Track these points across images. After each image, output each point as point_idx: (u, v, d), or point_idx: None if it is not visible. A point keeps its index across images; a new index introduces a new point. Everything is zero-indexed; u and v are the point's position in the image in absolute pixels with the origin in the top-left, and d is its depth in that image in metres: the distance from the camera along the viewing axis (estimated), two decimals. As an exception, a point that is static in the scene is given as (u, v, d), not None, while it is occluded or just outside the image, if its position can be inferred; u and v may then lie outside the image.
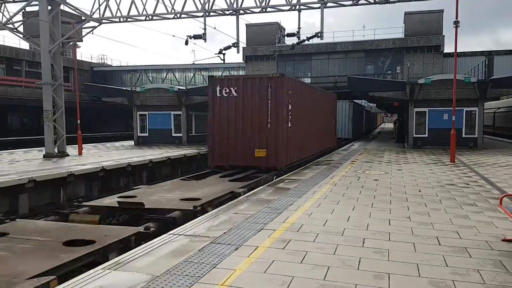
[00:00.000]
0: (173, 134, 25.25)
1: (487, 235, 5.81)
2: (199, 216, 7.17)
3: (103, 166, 14.07)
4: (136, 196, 9.44)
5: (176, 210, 8.06)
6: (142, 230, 6.71)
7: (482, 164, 14.53)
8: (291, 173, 12.61)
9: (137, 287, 4.03)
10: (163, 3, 18.40)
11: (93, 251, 5.61)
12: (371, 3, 17.66)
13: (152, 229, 6.85)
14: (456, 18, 14.99)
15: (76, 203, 9.23)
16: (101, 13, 18.57)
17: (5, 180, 10.72)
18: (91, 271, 4.46)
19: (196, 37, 19.18)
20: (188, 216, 7.71)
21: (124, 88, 28.60)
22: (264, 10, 18.94)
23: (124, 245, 6.08)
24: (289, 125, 14.08)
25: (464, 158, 16.60)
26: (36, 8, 17.90)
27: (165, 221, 7.49)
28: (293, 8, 18.76)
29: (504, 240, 5.56)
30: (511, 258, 4.88)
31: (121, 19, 18.76)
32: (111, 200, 9.11)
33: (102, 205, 8.66)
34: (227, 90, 13.69)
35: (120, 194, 9.95)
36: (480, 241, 5.53)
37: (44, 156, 17.33)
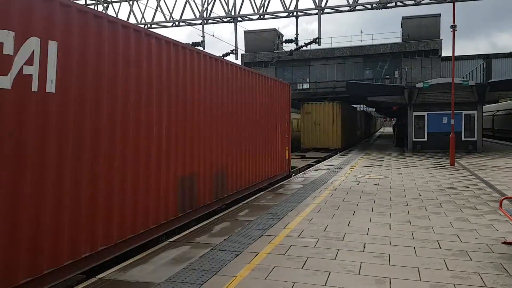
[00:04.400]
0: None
1: (487, 238, 5.81)
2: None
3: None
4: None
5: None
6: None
7: (482, 167, 14.54)
8: (291, 177, 12.61)
9: (138, 295, 4.02)
10: (162, 11, 18.52)
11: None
12: (368, 9, 17.79)
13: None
14: (453, 22, 15.09)
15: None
16: (100, 22, 18.71)
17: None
18: (89, 280, 4.45)
19: (194, 44, 19.29)
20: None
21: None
22: (262, 17, 19.06)
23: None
24: None
25: (464, 161, 16.61)
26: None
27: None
28: (291, 14, 18.89)
29: (504, 243, 5.56)
30: (512, 260, 4.88)
31: (120, 28, 18.86)
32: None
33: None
34: None
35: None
36: (481, 244, 5.53)
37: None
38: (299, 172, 14.65)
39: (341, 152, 22.69)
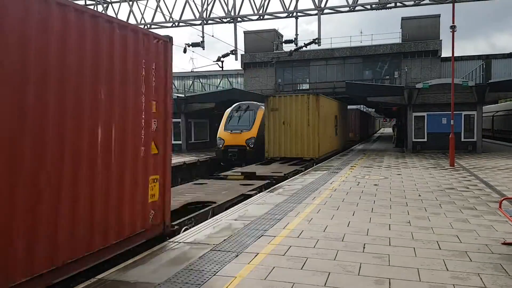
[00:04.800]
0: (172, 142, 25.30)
1: (487, 239, 5.82)
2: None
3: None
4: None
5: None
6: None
7: (482, 168, 14.55)
8: (290, 179, 12.61)
9: (137, 295, 4.02)
10: (161, 12, 18.53)
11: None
12: (367, 9, 17.80)
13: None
14: (453, 22, 15.11)
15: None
16: (100, 22, 18.71)
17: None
18: (89, 281, 4.45)
19: (194, 45, 19.30)
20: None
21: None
22: (261, 17, 19.08)
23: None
24: None
25: (464, 162, 16.62)
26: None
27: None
28: (290, 15, 18.90)
29: (504, 243, 5.56)
30: (511, 261, 4.89)
31: (120, 28, 18.88)
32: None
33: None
34: None
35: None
36: (480, 245, 5.53)
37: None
38: (208, 218, 7.77)
39: (317, 165, 16.78)
